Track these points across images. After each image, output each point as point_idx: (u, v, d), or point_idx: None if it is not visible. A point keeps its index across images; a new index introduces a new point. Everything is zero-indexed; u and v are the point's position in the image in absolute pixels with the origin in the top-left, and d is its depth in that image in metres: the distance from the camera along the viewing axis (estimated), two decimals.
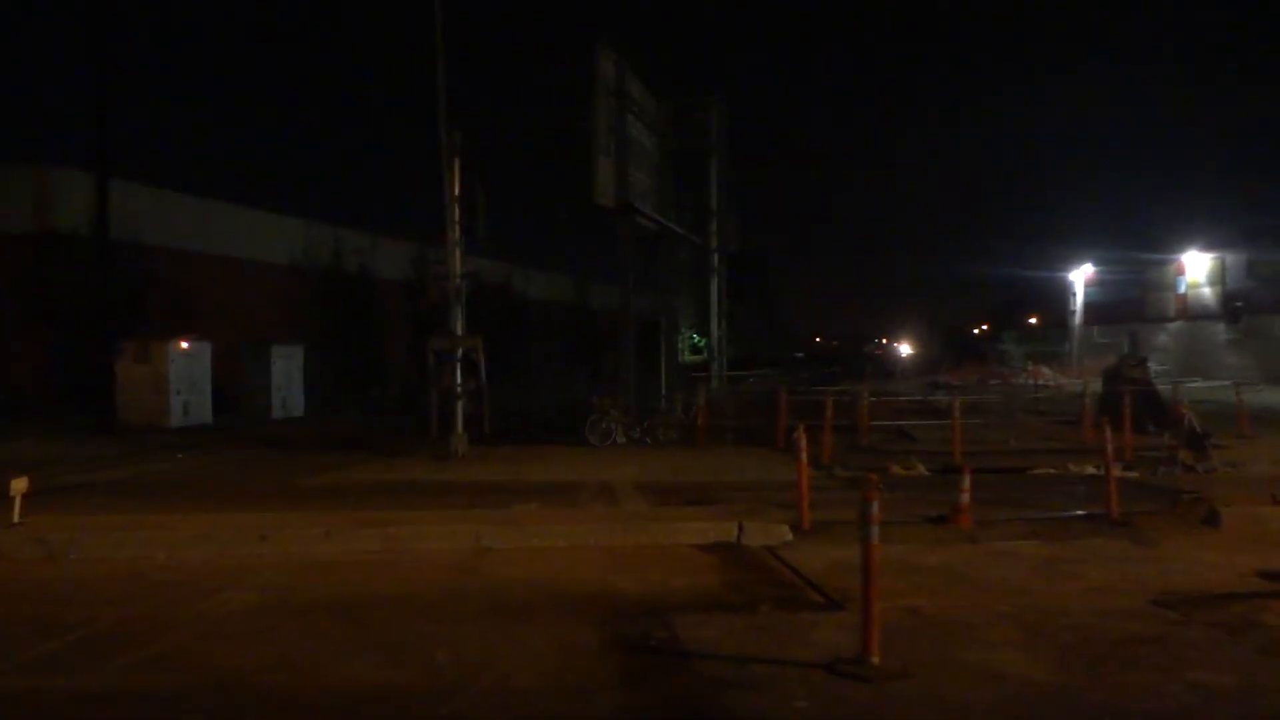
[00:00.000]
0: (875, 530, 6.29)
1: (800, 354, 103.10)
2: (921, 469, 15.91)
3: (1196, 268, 49.67)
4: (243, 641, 7.09)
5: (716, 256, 31.65)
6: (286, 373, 29.87)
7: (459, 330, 18.67)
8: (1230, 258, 47.00)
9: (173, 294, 27.89)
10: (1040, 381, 40.36)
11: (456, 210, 18.49)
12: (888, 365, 72.15)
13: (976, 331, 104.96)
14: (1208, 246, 48.16)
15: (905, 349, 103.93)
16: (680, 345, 29.71)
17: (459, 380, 18.52)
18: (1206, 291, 49.12)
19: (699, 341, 32.57)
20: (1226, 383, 30.14)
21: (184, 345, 25.87)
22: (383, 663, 6.58)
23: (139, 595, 8.36)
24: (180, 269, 28.54)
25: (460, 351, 18.58)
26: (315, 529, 10.15)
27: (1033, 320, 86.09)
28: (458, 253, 18.59)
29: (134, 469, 17.34)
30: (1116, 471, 12.26)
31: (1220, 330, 47.31)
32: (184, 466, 17.92)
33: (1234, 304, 45.99)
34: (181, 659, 6.72)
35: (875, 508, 6.31)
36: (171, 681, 6.27)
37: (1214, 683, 6.05)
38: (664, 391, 24.07)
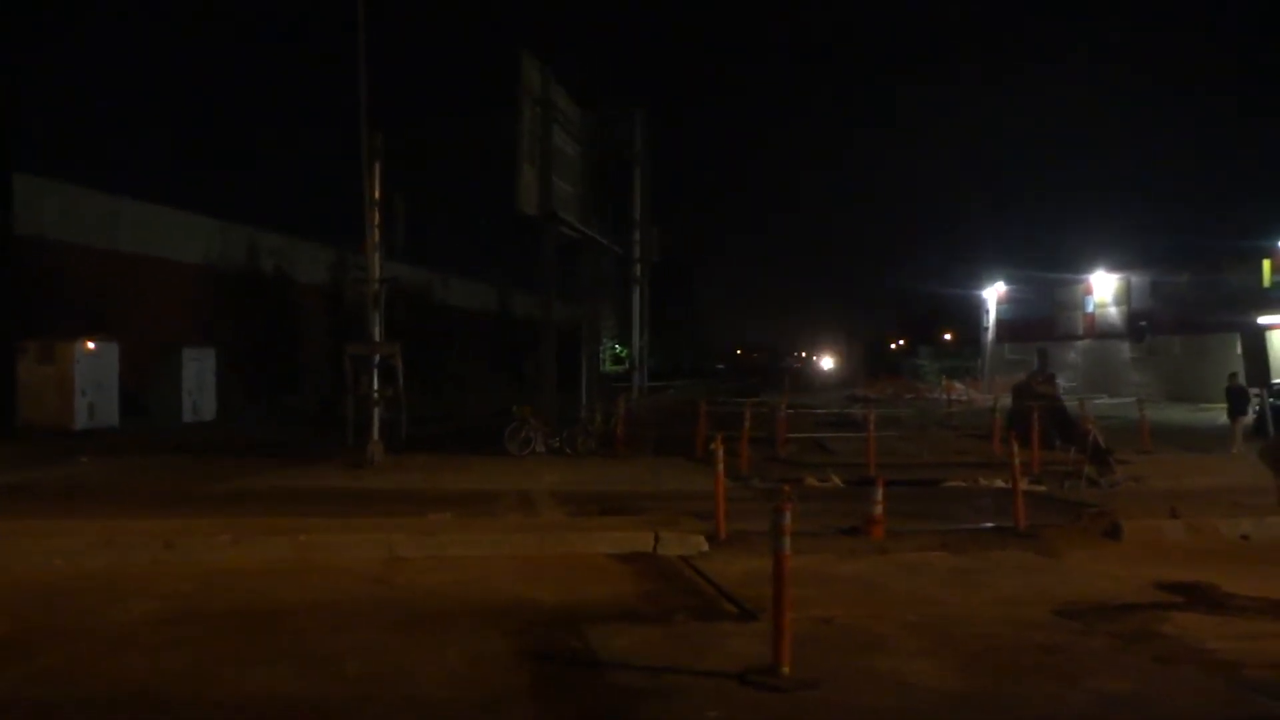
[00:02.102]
0: (787, 541, 6.36)
1: (722, 365, 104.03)
2: (837, 481, 16.13)
3: (1104, 288, 51.23)
4: (144, 652, 6.88)
5: (639, 267, 31.80)
6: (198, 376, 29.16)
7: (377, 336, 18.44)
8: (1135, 279, 48.57)
9: (79, 293, 26.99)
10: (953, 396, 41.24)
11: (376, 215, 18.29)
12: (806, 378, 73.19)
13: (894, 346, 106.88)
14: (1114, 267, 49.70)
15: (827, 362, 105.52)
16: (602, 355, 29.72)
17: (376, 387, 18.29)
18: (1113, 311, 50.69)
19: (621, 351, 32.64)
20: (1131, 399, 31.13)
21: (90, 346, 25.10)
22: (290, 673, 6.44)
23: (36, 605, 8.06)
24: (88, 267, 27.61)
25: (378, 358, 18.35)
26: (223, 536, 9.90)
27: (948, 336, 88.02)
28: (377, 258, 18.39)
29: (35, 473, 16.74)
30: (1024, 485, 12.58)
31: (1125, 348, 48.85)
32: (87, 471, 17.37)
33: (1138, 323, 47.52)
34: (79, 670, 6.49)
35: (787, 518, 6.37)
36: (67, 694, 6.05)
37: (1112, 690, 6.23)
38: (584, 401, 24.04)
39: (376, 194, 18.33)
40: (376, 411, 18.16)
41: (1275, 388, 22.61)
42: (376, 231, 18.36)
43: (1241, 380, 21.57)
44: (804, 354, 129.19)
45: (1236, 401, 21.17)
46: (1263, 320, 28.77)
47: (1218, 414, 27.28)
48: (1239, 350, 37.98)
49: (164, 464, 18.33)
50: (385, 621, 7.66)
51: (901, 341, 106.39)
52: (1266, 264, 39.55)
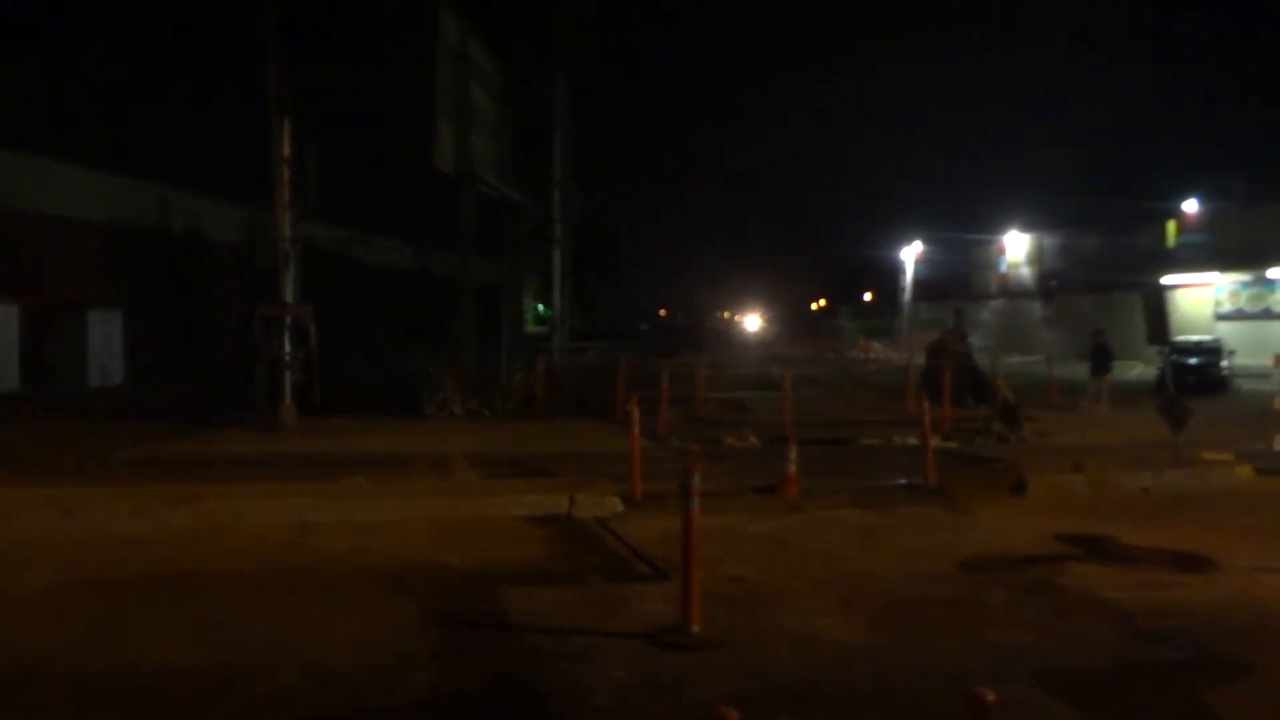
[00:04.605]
0: (696, 501, 6.36)
1: (645, 326, 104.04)
2: (754, 440, 16.23)
3: (1016, 248, 52.34)
4: (37, 624, 6.66)
5: (559, 227, 31.49)
6: (105, 339, 28.25)
7: (289, 296, 18.01)
8: (1047, 239, 49.71)
9: None
10: (871, 355, 41.90)
11: (286, 172, 17.80)
12: (730, 338, 73.70)
13: (815, 307, 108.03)
14: (1027, 228, 50.77)
15: (752, 323, 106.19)
16: (526, 316, 29.45)
17: (288, 348, 17.89)
18: (1025, 271, 51.85)
19: (544, 312, 32.37)
20: (1040, 357, 31.90)
21: None
22: (192, 644, 6.29)
23: None
24: None
25: (290, 319, 17.94)
26: (124, 504, 9.62)
27: (868, 296, 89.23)
28: (288, 216, 17.92)
29: None
30: (935, 442, 12.82)
31: (1037, 307, 50.04)
32: None
33: (1049, 283, 48.69)
34: None
35: (696, 479, 6.38)
36: None
37: (1012, 641, 6.40)
38: (504, 362, 23.84)
39: (286, 150, 17.80)
40: (289, 374, 17.78)
41: (1175, 346, 23.32)
42: (287, 189, 17.88)
43: (1106, 339, 22.21)
44: (729, 315, 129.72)
45: (1100, 359, 21.81)
46: (1166, 280, 29.64)
47: (1123, 370, 28.12)
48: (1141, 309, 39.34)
49: (66, 430, 17.74)
50: (292, 588, 7.52)
51: (823, 302, 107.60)
52: (1171, 225, 40.76)
